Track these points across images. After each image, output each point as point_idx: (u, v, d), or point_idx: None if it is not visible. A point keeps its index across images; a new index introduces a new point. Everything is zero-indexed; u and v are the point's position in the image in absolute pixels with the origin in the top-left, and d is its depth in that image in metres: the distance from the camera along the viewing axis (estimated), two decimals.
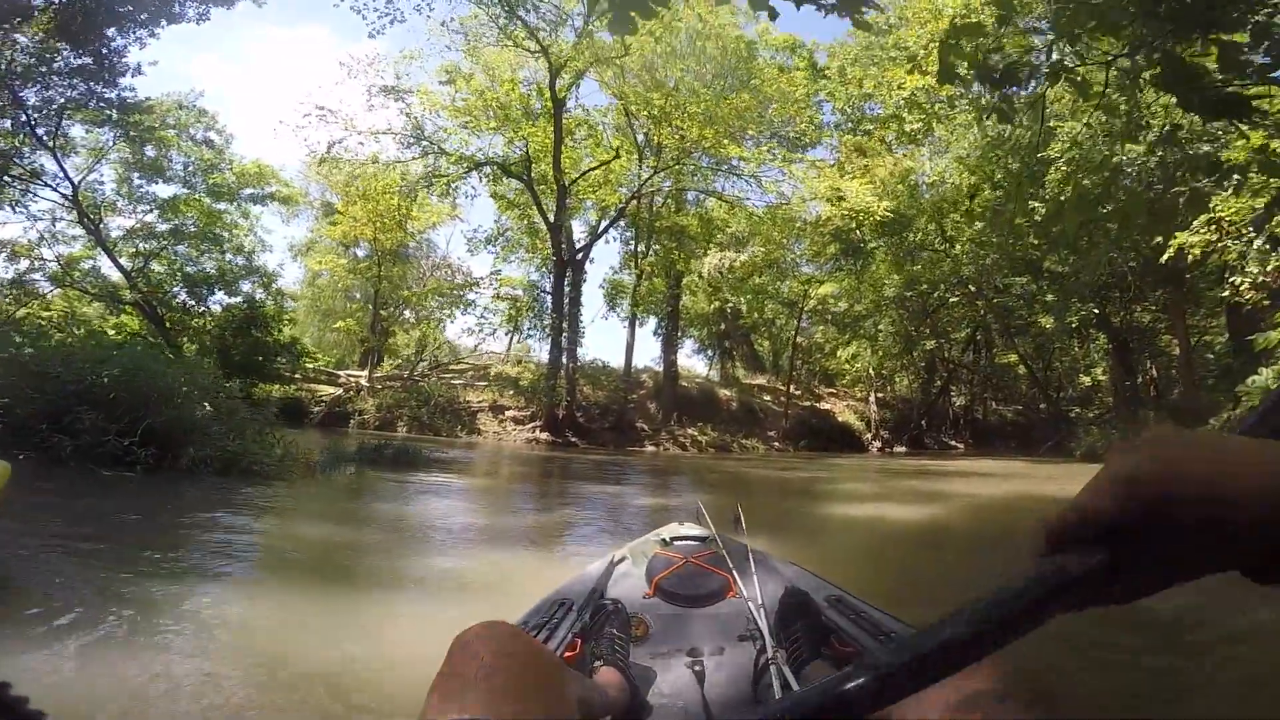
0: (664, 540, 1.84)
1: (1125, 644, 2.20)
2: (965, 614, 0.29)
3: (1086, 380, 25.27)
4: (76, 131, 15.82)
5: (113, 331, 15.58)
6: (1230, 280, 6.37)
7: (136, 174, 17.73)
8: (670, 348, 21.38)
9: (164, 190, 18.11)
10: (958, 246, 17.99)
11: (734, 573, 1.52)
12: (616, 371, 20.55)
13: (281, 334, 18.58)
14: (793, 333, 23.70)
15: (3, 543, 2.82)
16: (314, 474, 6.17)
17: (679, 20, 17.46)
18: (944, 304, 20.67)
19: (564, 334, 17.78)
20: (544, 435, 16.45)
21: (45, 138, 14.31)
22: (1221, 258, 6.25)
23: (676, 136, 16.86)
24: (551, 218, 17.75)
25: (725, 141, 16.63)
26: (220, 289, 18.56)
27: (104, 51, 13.60)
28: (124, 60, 13.90)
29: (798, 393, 23.25)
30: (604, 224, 19.52)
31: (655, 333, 22.65)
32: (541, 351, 20.37)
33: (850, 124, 20.96)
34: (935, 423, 23.22)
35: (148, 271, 17.74)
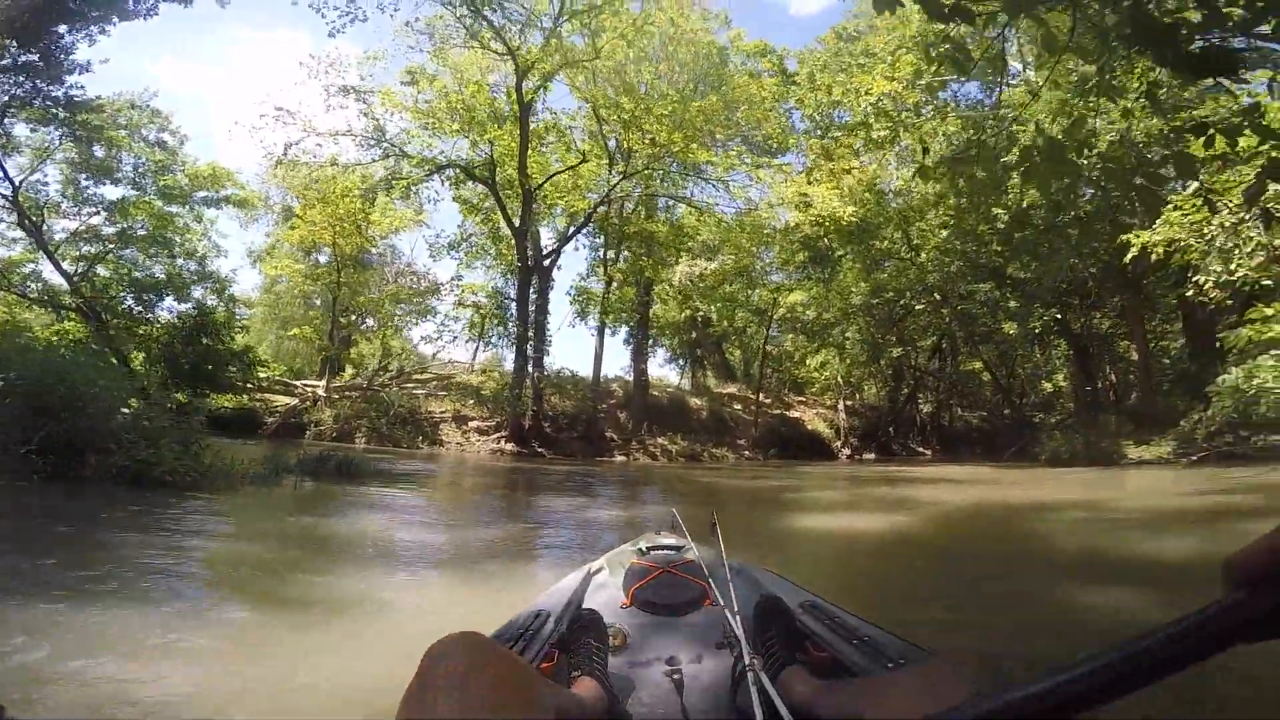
0: (641, 550, 1.85)
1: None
2: (1155, 638, 0.30)
3: (1048, 386, 25.79)
4: (20, 130, 15.20)
5: (55, 338, 14.84)
6: (1194, 280, 6.36)
7: (84, 175, 16.94)
8: (640, 356, 21.11)
9: (113, 192, 17.40)
10: (923, 255, 18.17)
11: (710, 581, 1.52)
12: (585, 380, 20.19)
13: (233, 342, 17.91)
14: (762, 341, 23.67)
15: None
16: (240, 485, 5.69)
17: (652, 24, 17.40)
18: (910, 312, 20.85)
19: (529, 342, 17.37)
20: (509, 446, 15.99)
21: None
22: (1184, 257, 6.25)
23: (646, 141, 16.72)
24: (517, 222, 17.38)
25: (694, 146, 16.51)
26: (170, 295, 17.83)
27: (52, 48, 12.98)
28: (72, 58, 13.33)
29: (768, 401, 23.17)
30: (572, 229, 19.21)
31: (625, 341, 22.37)
32: (511, 361, 19.94)
33: (819, 131, 21.12)
34: (903, 429, 23.35)
35: (92, 276, 17.01)
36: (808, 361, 24.28)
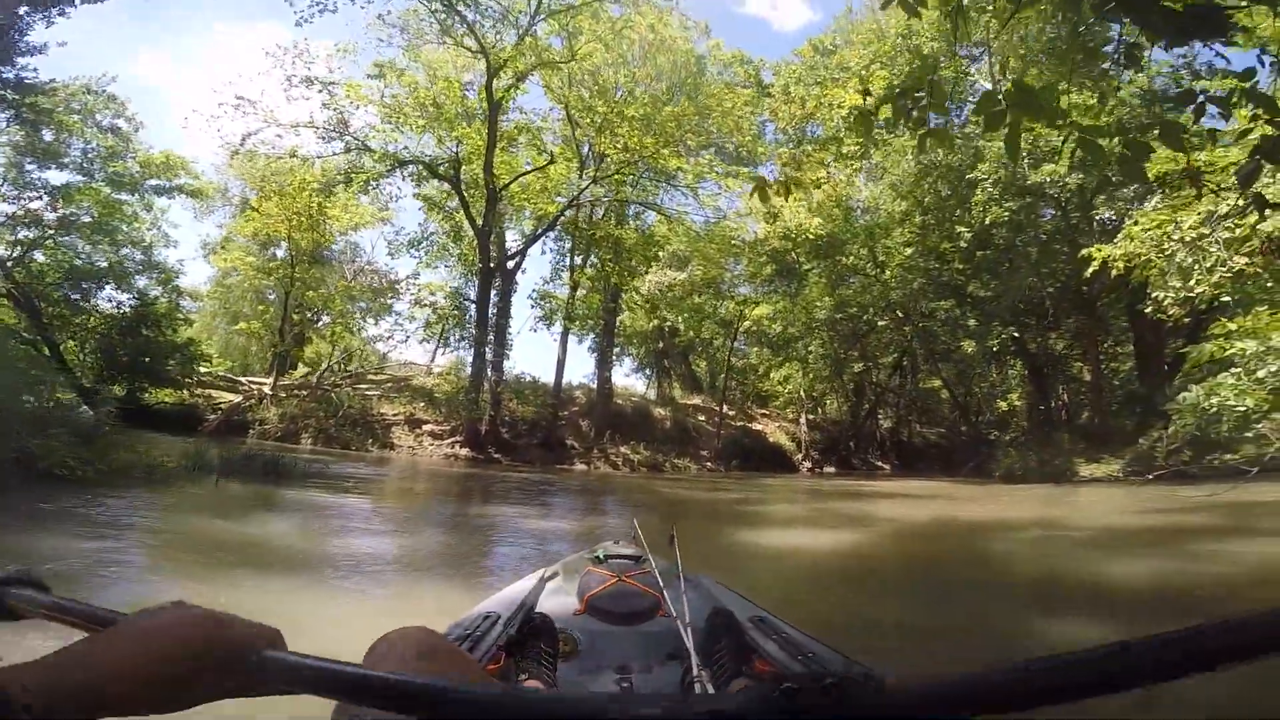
0: (598, 557, 1.84)
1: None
2: (1226, 623, 0.30)
3: (1003, 405, 26.37)
4: None
5: None
6: (1154, 296, 6.39)
7: (29, 159, 16.07)
8: (604, 363, 20.81)
9: (59, 177, 16.58)
10: (888, 271, 18.37)
11: (664, 592, 1.51)
12: (547, 386, 19.76)
13: (175, 334, 17.10)
14: (728, 353, 23.65)
15: None
16: (153, 484, 5.17)
17: (631, 28, 17.29)
18: (873, 328, 21.06)
19: (489, 345, 16.89)
20: (464, 451, 15.46)
21: None
22: (1143, 273, 6.28)
23: (618, 146, 16.57)
24: (481, 222, 16.95)
25: (665, 152, 16.38)
26: (111, 284, 17.03)
27: (5, 28, 12.30)
28: (27, 38, 12.71)
29: (731, 413, 23.09)
30: (539, 231, 18.85)
31: (590, 349, 22.04)
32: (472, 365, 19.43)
33: (792, 144, 21.28)
34: (863, 444, 23.52)
35: (28, 262, 16.10)
36: (772, 375, 24.37)
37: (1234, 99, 1.77)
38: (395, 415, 17.16)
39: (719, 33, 23.27)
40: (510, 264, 18.58)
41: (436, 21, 16.01)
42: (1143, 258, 5.87)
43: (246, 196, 23.62)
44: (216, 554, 3.58)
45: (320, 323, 23.26)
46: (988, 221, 13.98)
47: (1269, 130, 1.70)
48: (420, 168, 17.73)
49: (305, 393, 17.65)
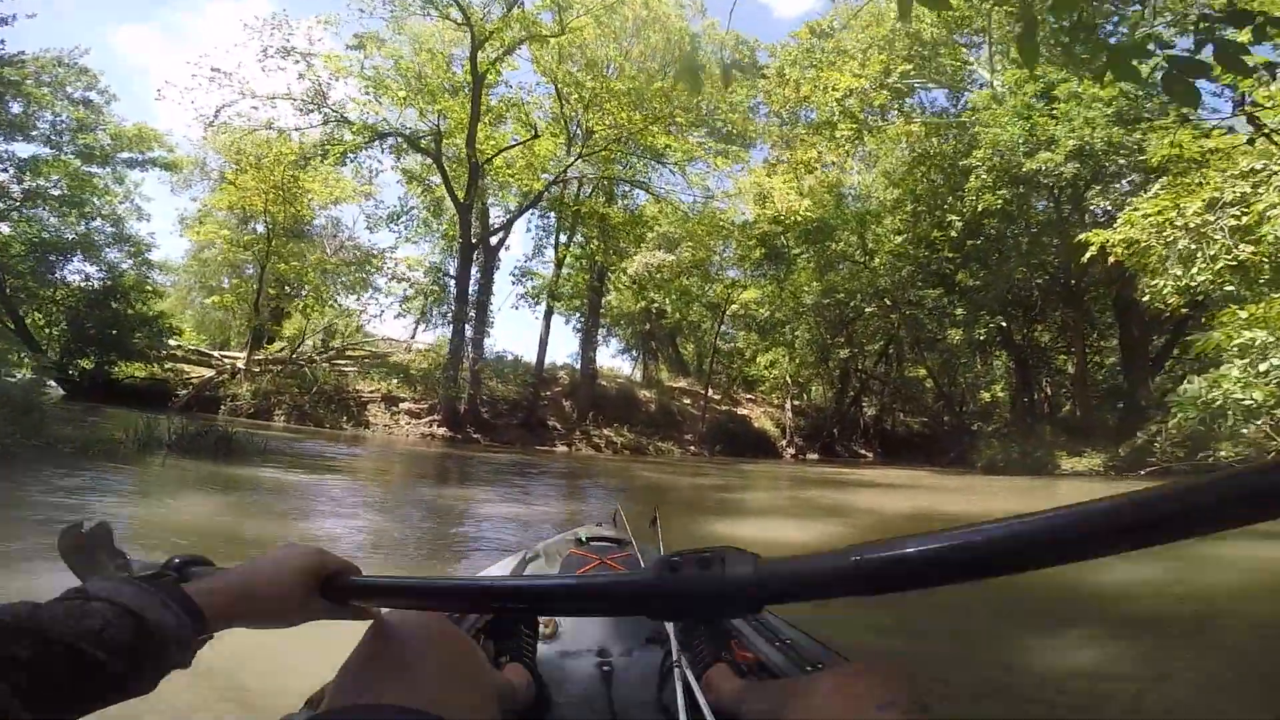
0: (579, 540, 1.83)
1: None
2: (1235, 477, 0.27)
3: (987, 396, 26.48)
4: None
5: None
6: (1152, 284, 6.16)
7: None
8: (589, 344, 20.50)
9: (26, 149, 16.26)
10: (877, 259, 18.17)
11: None
12: (529, 366, 19.44)
13: (145, 307, 16.66)
14: (713, 336, 23.44)
15: None
16: (93, 460, 4.83)
17: (623, 2, 16.75)
18: (860, 315, 20.92)
19: (469, 322, 16.51)
20: (441, 430, 15.15)
21: None
22: (1143, 259, 6.06)
23: (606, 123, 16.13)
24: (463, 197, 16.47)
25: (654, 129, 15.96)
26: (81, 257, 16.82)
27: None
28: None
29: (717, 397, 22.94)
30: (523, 206, 18.38)
31: (575, 328, 21.71)
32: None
33: (786, 127, 20.88)
34: (847, 431, 23.50)
35: None
36: (758, 359, 24.21)
37: None
38: (372, 392, 16.79)
39: (718, 15, 22.71)
40: (494, 240, 18.14)
41: None
42: (1142, 244, 5.64)
43: (225, 171, 23.03)
44: (129, 539, 3.29)
45: (300, 296, 22.78)
46: (980, 209, 13.77)
47: None
48: (400, 140, 17.18)
49: (279, 368, 17.20)
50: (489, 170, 17.17)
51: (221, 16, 51.43)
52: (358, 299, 22.05)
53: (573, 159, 16.99)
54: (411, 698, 0.56)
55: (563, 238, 19.45)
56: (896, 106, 18.11)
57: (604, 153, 17.07)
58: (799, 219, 16.88)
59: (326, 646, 0.81)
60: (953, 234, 16.02)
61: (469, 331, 16.49)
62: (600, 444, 17.52)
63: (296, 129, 17.44)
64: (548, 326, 19.24)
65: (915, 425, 25.17)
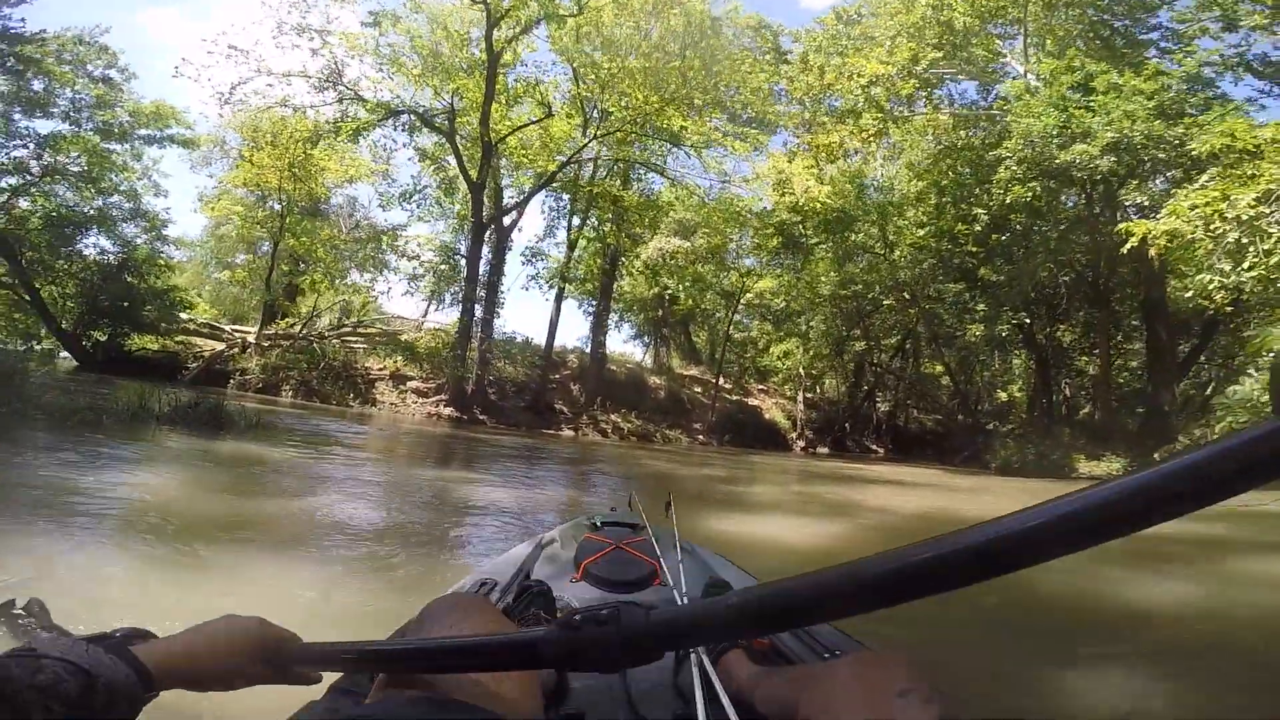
0: (594, 524, 1.85)
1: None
2: (1194, 456, 0.26)
3: (1003, 396, 26.01)
4: None
5: None
6: (1198, 279, 5.75)
7: (17, 109, 16.00)
8: (600, 328, 20.29)
9: (47, 126, 16.59)
10: (897, 251, 17.72)
11: (661, 561, 1.50)
12: (538, 348, 19.28)
13: (158, 280, 16.82)
14: (726, 325, 23.14)
15: None
16: (74, 430, 4.70)
17: None
18: (878, 308, 20.51)
19: (479, 302, 16.35)
20: (447, 411, 15.05)
21: None
22: (1187, 253, 5.67)
23: (622, 104, 15.79)
24: (476, 175, 16.24)
25: (670, 111, 15.59)
26: (99, 232, 17.24)
27: None
28: None
29: (728, 387, 22.70)
30: (538, 187, 18.12)
31: (586, 311, 21.50)
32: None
33: (806, 114, 20.37)
34: (859, 426, 23.16)
35: (10, 208, 16.27)
36: (771, 350, 23.91)
37: None
38: (380, 370, 16.73)
39: (745, 4, 21.96)
40: (506, 221, 17.91)
41: None
42: (1187, 236, 5.26)
43: (243, 149, 23.10)
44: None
45: (308, 273, 22.84)
46: (1008, 201, 13.28)
47: None
48: (414, 118, 16.99)
49: (289, 343, 17.19)
50: (504, 151, 16.94)
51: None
52: (371, 278, 22.07)
53: (588, 139, 16.70)
54: (462, 683, 0.57)
55: (576, 220, 19.20)
56: (925, 95, 17.54)
57: (619, 134, 16.75)
58: (819, 205, 16.45)
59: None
60: (977, 228, 15.56)
61: (479, 311, 16.35)
62: (607, 429, 17.36)
63: (311, 106, 17.34)
64: (558, 309, 19.05)
65: (928, 422, 24.77)
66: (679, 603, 1.23)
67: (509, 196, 19.06)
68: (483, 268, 16.93)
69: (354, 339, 18.67)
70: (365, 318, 21.21)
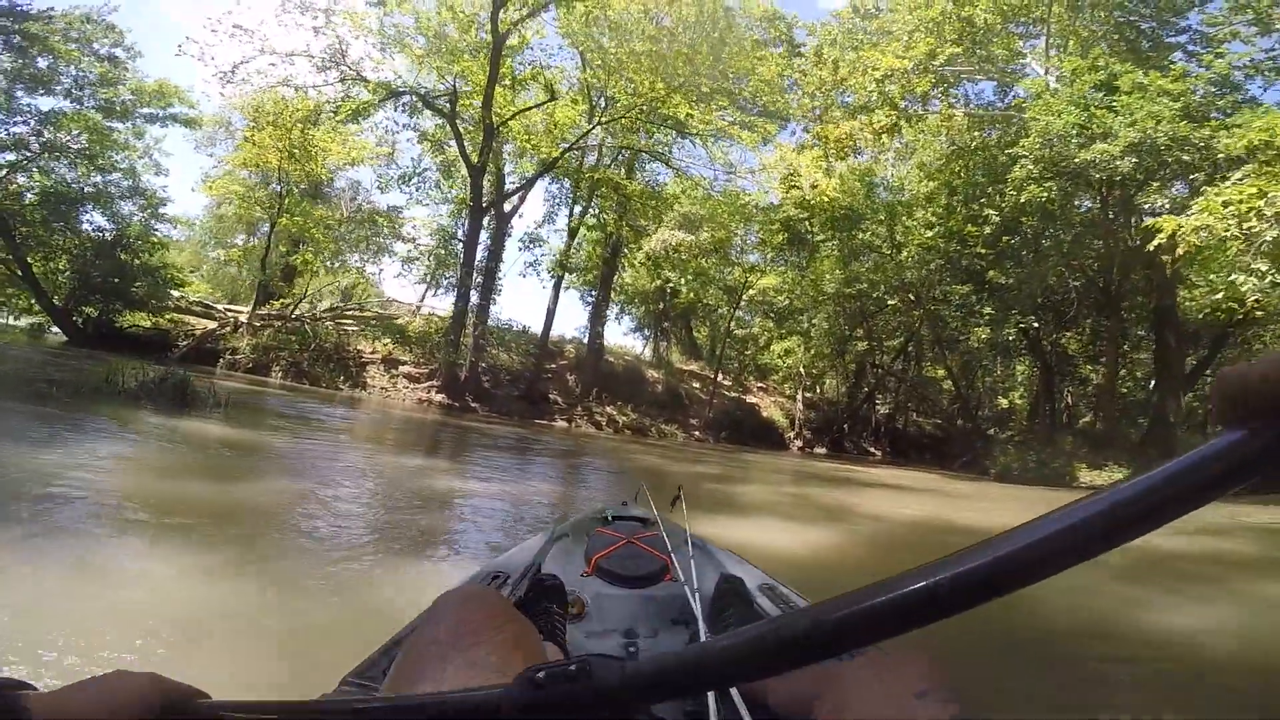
0: (606, 518, 1.85)
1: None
2: (1137, 483, 0.26)
3: (1004, 402, 25.73)
4: None
5: None
6: (1231, 279, 5.40)
7: (19, 86, 15.92)
8: (599, 318, 19.99)
9: (49, 103, 16.57)
10: (905, 251, 17.37)
11: (672, 556, 1.49)
12: (534, 336, 19.00)
13: (150, 257, 16.58)
14: (728, 320, 22.84)
15: None
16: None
17: None
18: (882, 308, 20.18)
19: (475, 287, 16.05)
20: (439, 397, 14.78)
21: None
22: (1218, 252, 5.35)
23: (629, 91, 15.44)
24: (476, 159, 15.91)
25: (676, 98, 15.23)
26: (95, 208, 17.13)
27: None
28: None
29: (727, 383, 22.42)
30: (539, 173, 17.78)
31: (585, 301, 21.21)
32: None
33: (818, 110, 19.97)
34: (857, 428, 22.88)
35: (7, 183, 16.23)
36: (772, 347, 23.62)
37: None
38: (372, 354, 16.46)
39: None
40: (506, 206, 17.58)
41: None
42: (1219, 233, 4.94)
43: (245, 129, 22.86)
44: None
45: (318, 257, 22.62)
46: (1021, 202, 12.92)
47: None
48: (415, 99, 16.65)
49: (280, 323, 16.92)
50: (507, 134, 16.61)
51: None
52: (365, 260, 21.80)
53: (593, 125, 16.36)
54: (480, 678, 0.55)
55: (578, 208, 18.86)
56: (941, 93, 17.14)
57: (624, 120, 16.40)
58: (826, 200, 16.11)
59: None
60: (988, 229, 15.21)
61: (475, 297, 16.05)
62: (601, 422, 17.11)
63: (313, 86, 17.05)
64: (556, 297, 18.75)
65: (928, 426, 24.49)
66: (691, 597, 1.22)
67: (511, 183, 18.74)
68: (481, 253, 16.63)
69: (346, 321, 18.39)
70: (363, 300, 20.94)
